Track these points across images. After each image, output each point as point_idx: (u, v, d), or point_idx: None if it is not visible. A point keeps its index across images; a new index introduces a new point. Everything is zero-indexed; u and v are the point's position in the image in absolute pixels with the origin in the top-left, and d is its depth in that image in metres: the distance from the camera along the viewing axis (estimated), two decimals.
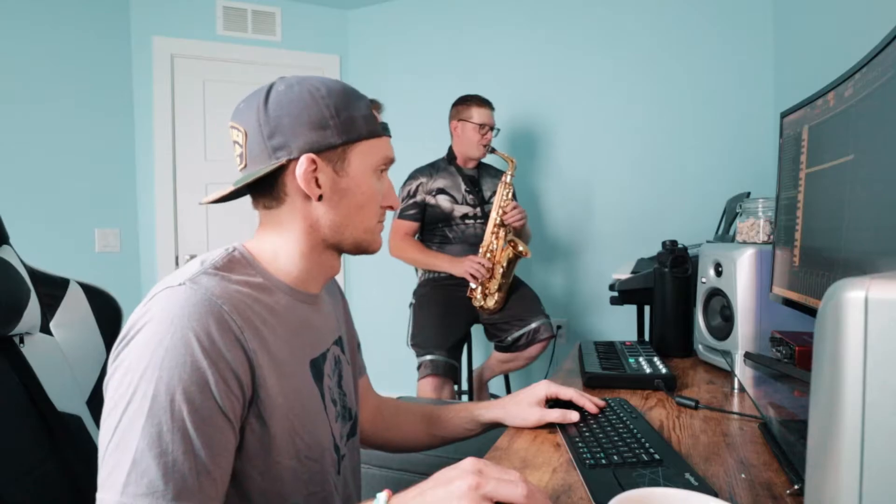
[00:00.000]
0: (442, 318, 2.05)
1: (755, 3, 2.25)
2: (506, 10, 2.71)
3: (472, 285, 2.08)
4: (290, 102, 0.68)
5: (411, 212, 2.16)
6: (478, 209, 2.18)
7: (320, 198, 0.70)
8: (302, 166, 0.67)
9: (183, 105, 2.83)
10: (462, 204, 2.17)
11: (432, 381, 1.92)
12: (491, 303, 2.07)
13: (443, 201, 2.16)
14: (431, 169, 2.21)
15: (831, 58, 1.50)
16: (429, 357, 1.95)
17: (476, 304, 2.10)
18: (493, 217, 2.09)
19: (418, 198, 2.16)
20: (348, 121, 0.70)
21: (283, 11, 2.95)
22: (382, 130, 0.74)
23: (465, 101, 2.18)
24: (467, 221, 2.18)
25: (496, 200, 2.10)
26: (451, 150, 2.24)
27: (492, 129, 2.17)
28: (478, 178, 2.24)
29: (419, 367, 1.97)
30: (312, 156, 0.68)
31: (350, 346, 0.88)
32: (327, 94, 0.69)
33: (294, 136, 0.68)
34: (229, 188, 0.71)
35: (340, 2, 2.98)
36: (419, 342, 2.02)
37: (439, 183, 2.18)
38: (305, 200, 0.71)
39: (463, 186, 2.18)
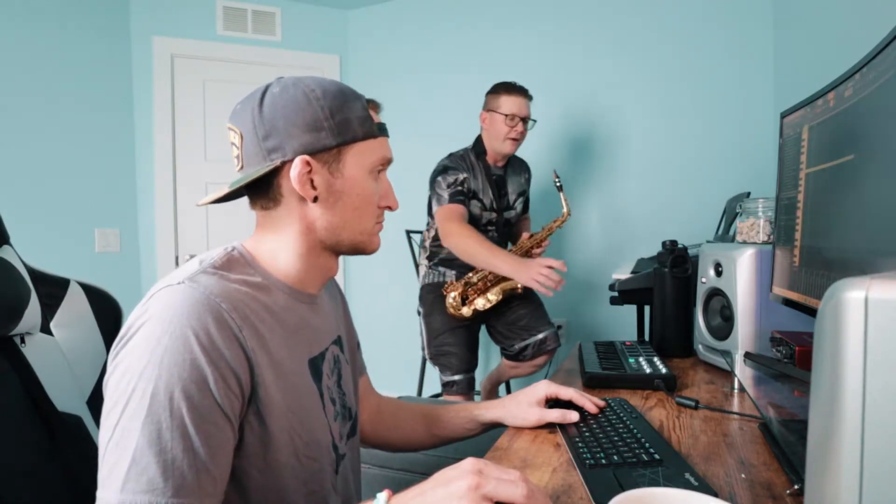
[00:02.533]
0: (457, 328, 1.97)
1: (755, 3, 2.25)
2: (506, 10, 2.71)
3: (449, 283, 1.96)
4: (285, 104, 0.68)
5: (460, 197, 1.88)
6: (499, 216, 2.05)
7: (315, 199, 0.70)
8: (296, 168, 0.67)
9: (183, 105, 2.83)
10: (489, 210, 2.02)
11: (461, 398, 1.91)
12: (465, 311, 1.94)
13: (474, 206, 1.99)
14: (468, 167, 1.96)
15: (831, 58, 1.50)
16: (457, 377, 1.93)
17: (448, 302, 1.93)
18: (525, 245, 1.98)
19: (465, 188, 1.92)
20: (343, 122, 0.69)
21: (283, 11, 2.95)
22: (379, 131, 0.74)
23: (496, 90, 1.94)
24: (489, 228, 2.05)
25: (539, 235, 1.98)
26: (479, 141, 2.00)
27: (525, 120, 1.92)
28: (504, 179, 2.07)
29: (445, 384, 1.94)
30: (307, 157, 0.68)
31: (349, 346, 0.88)
32: (322, 96, 0.69)
33: (288, 138, 0.68)
34: (225, 190, 0.71)
35: (340, 2, 2.98)
36: (445, 363, 1.96)
37: (474, 185, 1.97)
38: (301, 202, 0.71)
39: (490, 191, 2.00)
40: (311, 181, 0.69)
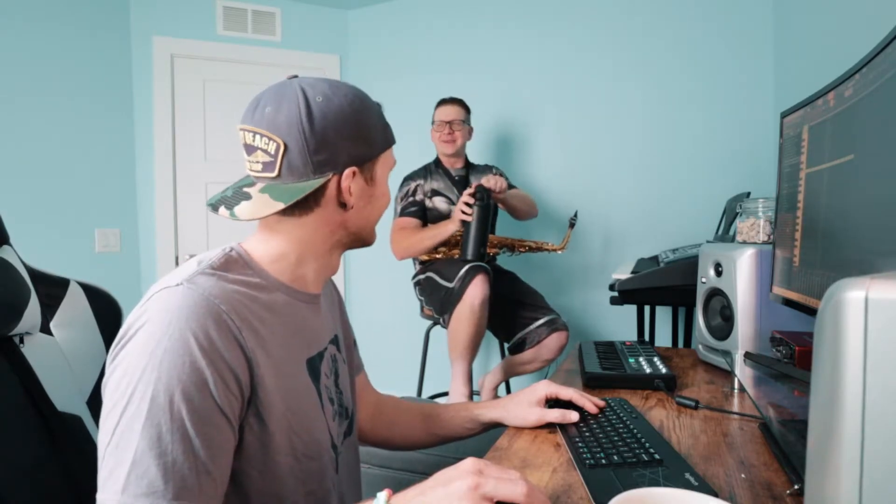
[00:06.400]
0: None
1: (755, 3, 2.25)
2: (506, 9, 2.71)
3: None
4: (335, 117, 0.68)
5: (411, 209, 2.15)
6: None
7: (352, 206, 0.73)
8: (347, 180, 0.70)
9: (183, 105, 2.83)
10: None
11: (483, 276, 1.85)
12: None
13: (439, 203, 2.18)
14: (425, 171, 2.24)
15: (831, 58, 1.50)
16: (469, 264, 1.89)
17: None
18: (508, 240, 2.14)
19: (417, 196, 2.17)
20: (379, 132, 0.73)
21: (283, 11, 2.95)
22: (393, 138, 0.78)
23: (435, 107, 2.28)
24: None
25: (524, 240, 2.14)
26: (437, 153, 2.31)
27: (451, 123, 2.18)
28: (467, 178, 2.25)
29: (462, 277, 1.87)
30: (355, 168, 0.70)
31: (346, 344, 0.89)
32: (361, 107, 0.71)
33: (338, 152, 0.69)
34: (280, 205, 0.66)
35: (340, 2, 2.98)
36: (449, 273, 1.94)
37: (434, 185, 2.20)
38: (337, 209, 0.72)
39: (455, 189, 2.20)
40: (349, 188, 0.71)
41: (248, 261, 0.70)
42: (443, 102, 2.25)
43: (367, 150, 0.71)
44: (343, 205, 0.72)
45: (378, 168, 0.75)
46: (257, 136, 0.68)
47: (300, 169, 0.67)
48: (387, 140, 0.75)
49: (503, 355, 2.52)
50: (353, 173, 0.70)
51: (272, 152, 0.67)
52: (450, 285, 1.93)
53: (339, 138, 0.68)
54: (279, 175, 0.68)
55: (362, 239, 0.78)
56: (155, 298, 0.60)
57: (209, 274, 0.63)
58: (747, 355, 0.99)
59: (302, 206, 0.70)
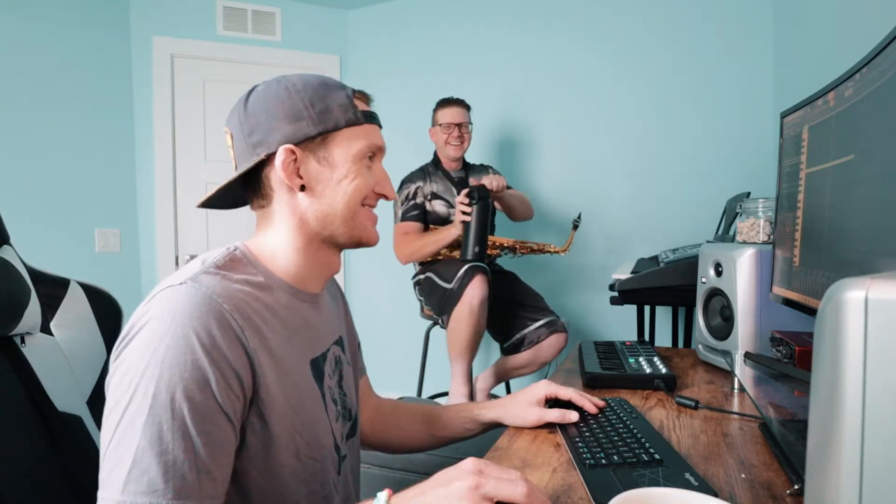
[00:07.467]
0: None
1: (755, 3, 2.25)
2: (506, 10, 2.71)
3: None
4: (266, 99, 0.70)
5: (413, 213, 2.15)
6: None
7: (303, 188, 0.71)
8: (280, 157, 0.68)
9: (183, 105, 2.83)
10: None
11: (482, 277, 1.85)
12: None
13: (438, 206, 2.18)
14: (423, 173, 2.23)
15: (831, 58, 1.50)
16: (468, 264, 1.88)
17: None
18: (509, 241, 2.12)
19: (418, 199, 2.17)
20: (324, 111, 0.70)
21: (283, 11, 2.95)
22: (364, 118, 0.73)
23: (434, 108, 2.26)
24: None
25: (525, 241, 2.13)
26: (435, 154, 2.29)
27: (459, 126, 2.18)
28: (465, 179, 2.25)
29: (461, 278, 1.87)
30: (290, 146, 0.69)
31: (350, 347, 0.89)
32: (302, 88, 0.71)
33: (270, 131, 0.69)
34: (216, 188, 0.73)
35: (340, 2, 2.98)
36: (448, 273, 1.94)
37: (433, 187, 2.20)
38: (291, 193, 0.71)
39: (454, 190, 2.19)
40: (297, 170, 0.70)
41: (252, 259, 0.70)
42: (446, 104, 2.22)
43: (305, 128, 0.69)
44: (293, 188, 0.70)
45: (336, 149, 0.71)
46: (225, 135, 0.74)
47: (242, 155, 0.71)
48: (346, 120, 0.71)
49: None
50: (292, 152, 0.68)
51: (230, 145, 0.73)
52: (448, 286, 1.93)
53: (269, 118, 0.69)
54: (237, 166, 0.72)
55: (346, 234, 0.73)
56: (158, 297, 0.60)
57: (213, 273, 0.64)
58: (747, 355, 0.99)
59: (260, 195, 0.73)
